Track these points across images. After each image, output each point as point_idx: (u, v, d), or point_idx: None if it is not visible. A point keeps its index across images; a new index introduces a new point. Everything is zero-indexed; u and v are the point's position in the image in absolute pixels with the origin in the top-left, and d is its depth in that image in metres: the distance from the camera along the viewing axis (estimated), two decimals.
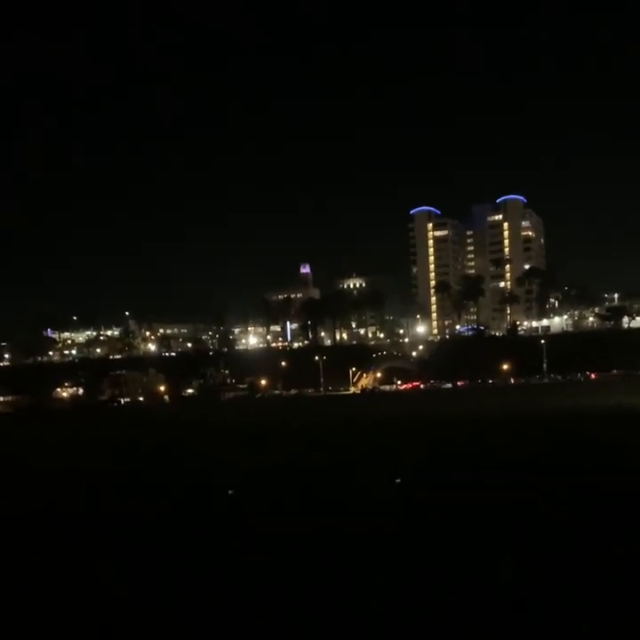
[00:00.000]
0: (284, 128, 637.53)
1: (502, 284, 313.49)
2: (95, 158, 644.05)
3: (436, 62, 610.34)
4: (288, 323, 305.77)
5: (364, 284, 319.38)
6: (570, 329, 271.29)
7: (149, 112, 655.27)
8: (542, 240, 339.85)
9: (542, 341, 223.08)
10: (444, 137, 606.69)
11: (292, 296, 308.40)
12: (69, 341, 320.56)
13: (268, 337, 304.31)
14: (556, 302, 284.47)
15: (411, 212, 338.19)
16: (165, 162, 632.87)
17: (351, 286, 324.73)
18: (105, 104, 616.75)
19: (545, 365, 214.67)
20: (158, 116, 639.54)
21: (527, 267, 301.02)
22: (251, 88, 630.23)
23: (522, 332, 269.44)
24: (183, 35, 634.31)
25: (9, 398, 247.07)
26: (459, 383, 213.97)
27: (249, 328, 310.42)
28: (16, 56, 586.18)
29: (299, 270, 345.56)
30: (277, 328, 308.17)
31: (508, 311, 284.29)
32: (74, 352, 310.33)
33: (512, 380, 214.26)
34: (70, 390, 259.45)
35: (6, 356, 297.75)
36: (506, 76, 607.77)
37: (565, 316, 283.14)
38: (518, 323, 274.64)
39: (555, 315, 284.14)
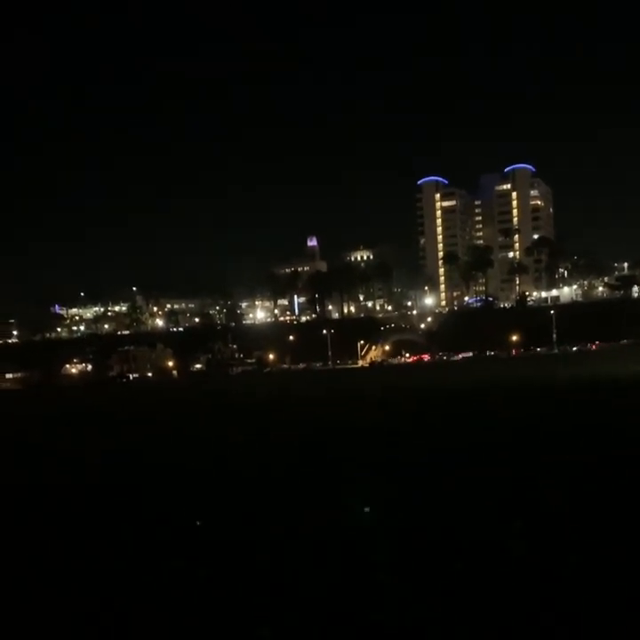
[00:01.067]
0: (288, 99, 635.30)
1: (511, 255, 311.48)
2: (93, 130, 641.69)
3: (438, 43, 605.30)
4: (295, 296, 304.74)
5: (371, 257, 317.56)
6: (579, 299, 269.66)
7: (159, 81, 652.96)
8: (551, 209, 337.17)
9: (551, 312, 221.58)
10: (452, 107, 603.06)
11: (300, 269, 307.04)
12: (77, 317, 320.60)
13: (276, 311, 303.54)
14: (566, 272, 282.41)
15: (418, 183, 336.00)
16: (168, 134, 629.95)
17: (359, 259, 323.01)
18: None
19: (554, 336, 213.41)
20: (166, 86, 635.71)
21: (536, 236, 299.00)
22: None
23: (531, 303, 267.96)
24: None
25: (18, 375, 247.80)
26: (460, 356, 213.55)
27: (256, 302, 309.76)
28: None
29: (305, 243, 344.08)
30: (285, 302, 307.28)
31: (517, 282, 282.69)
32: (82, 328, 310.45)
33: (513, 352, 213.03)
34: (79, 366, 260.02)
35: (14, 332, 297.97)
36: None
37: (575, 286, 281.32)
38: (527, 293, 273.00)
39: (564, 285, 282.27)
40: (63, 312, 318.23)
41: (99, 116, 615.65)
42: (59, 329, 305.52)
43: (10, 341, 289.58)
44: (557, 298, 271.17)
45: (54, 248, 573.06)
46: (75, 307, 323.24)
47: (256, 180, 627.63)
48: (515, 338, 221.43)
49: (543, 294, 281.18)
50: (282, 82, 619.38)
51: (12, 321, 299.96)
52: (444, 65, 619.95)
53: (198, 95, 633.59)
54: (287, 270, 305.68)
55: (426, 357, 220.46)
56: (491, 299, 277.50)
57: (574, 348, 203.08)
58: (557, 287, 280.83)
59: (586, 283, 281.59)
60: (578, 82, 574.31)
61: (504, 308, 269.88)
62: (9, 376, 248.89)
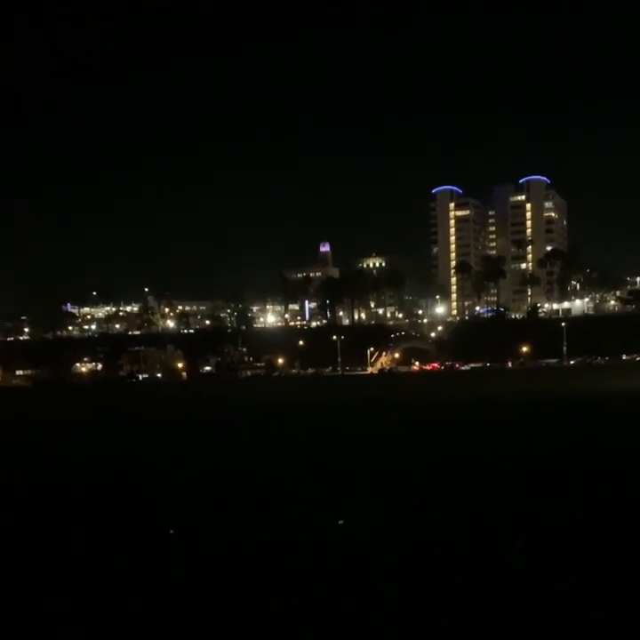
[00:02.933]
0: (300, 109, 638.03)
1: (523, 266, 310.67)
2: (113, 130, 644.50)
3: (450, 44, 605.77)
4: (306, 301, 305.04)
5: (383, 264, 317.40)
6: (591, 312, 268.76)
7: (180, 84, 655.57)
8: (565, 222, 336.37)
9: (563, 324, 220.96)
10: (465, 117, 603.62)
11: (312, 275, 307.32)
12: (89, 316, 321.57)
13: (286, 315, 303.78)
14: (578, 285, 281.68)
15: (432, 191, 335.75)
16: (184, 135, 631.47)
17: (371, 265, 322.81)
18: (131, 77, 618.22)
19: (565, 348, 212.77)
20: (190, 89, 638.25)
21: (549, 248, 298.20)
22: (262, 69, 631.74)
23: (542, 315, 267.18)
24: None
25: (28, 372, 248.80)
26: (470, 365, 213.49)
27: (267, 306, 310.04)
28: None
29: (318, 249, 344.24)
30: (296, 307, 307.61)
31: (529, 293, 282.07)
32: (93, 327, 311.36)
33: (509, 364, 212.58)
34: (89, 365, 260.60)
35: (26, 329, 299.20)
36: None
37: (587, 299, 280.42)
38: (539, 305, 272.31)
39: (576, 297, 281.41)
40: (75, 311, 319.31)
41: (116, 115, 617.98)
42: (70, 328, 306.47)
43: (21, 339, 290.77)
44: (569, 310, 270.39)
45: (67, 247, 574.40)
46: (86, 306, 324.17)
47: (271, 184, 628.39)
48: (525, 349, 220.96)
49: (555, 306, 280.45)
50: (295, 87, 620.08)
51: (24, 318, 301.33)
52: (460, 76, 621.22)
53: (214, 96, 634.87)
54: (299, 275, 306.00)
55: (430, 367, 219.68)
56: (502, 309, 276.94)
57: (586, 360, 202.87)
58: (569, 299, 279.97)
59: (598, 296, 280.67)
60: (594, 94, 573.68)
61: (515, 318, 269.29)
62: (19, 373, 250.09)
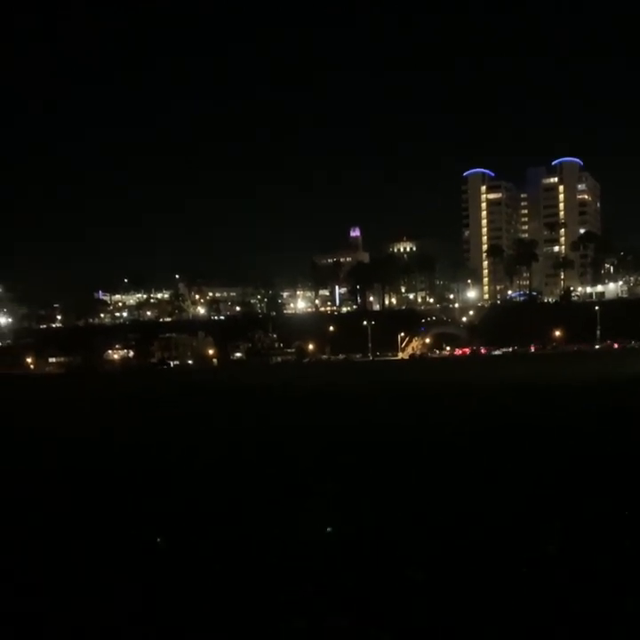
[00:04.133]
0: (330, 93, 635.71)
1: (556, 249, 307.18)
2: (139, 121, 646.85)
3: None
4: (337, 287, 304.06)
5: (414, 248, 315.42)
6: (625, 295, 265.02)
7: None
8: (598, 204, 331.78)
9: (596, 308, 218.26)
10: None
11: (342, 260, 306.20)
12: (120, 304, 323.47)
13: (317, 301, 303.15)
14: (612, 268, 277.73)
15: (464, 174, 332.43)
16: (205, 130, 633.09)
17: (401, 250, 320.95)
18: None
19: (598, 332, 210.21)
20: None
21: (582, 231, 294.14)
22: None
23: (575, 298, 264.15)
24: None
25: (61, 359, 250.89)
26: (482, 350, 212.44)
27: (297, 292, 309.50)
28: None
29: (348, 234, 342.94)
30: (326, 292, 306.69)
31: (562, 276, 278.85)
32: (125, 314, 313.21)
33: (531, 348, 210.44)
34: (121, 352, 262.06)
35: (58, 317, 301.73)
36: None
37: (620, 282, 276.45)
38: (572, 288, 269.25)
39: (610, 281, 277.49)
40: (106, 298, 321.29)
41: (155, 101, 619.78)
42: (102, 315, 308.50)
43: (54, 326, 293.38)
44: (602, 294, 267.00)
45: (100, 234, 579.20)
46: (118, 293, 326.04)
47: (302, 169, 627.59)
48: (558, 333, 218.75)
49: (588, 290, 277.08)
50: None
51: (57, 306, 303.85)
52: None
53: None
54: (329, 260, 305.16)
55: (460, 352, 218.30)
56: (535, 293, 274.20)
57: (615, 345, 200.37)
58: (603, 283, 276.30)
59: (632, 279, 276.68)
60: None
61: (548, 302, 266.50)
62: (52, 360, 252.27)
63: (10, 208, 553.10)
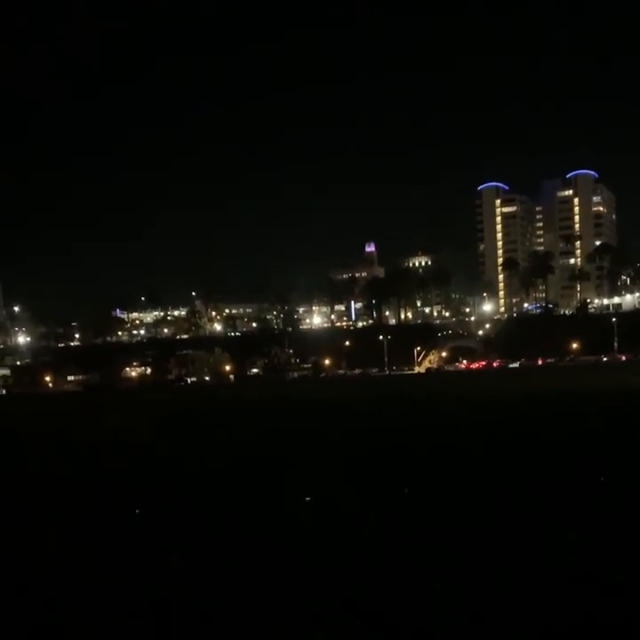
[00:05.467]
0: (344, 101, 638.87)
1: (572, 261, 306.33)
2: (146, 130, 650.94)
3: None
4: (352, 302, 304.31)
5: (429, 262, 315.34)
6: None
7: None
8: (614, 216, 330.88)
9: (613, 319, 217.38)
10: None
11: (357, 275, 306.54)
12: (137, 321, 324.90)
13: (333, 316, 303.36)
14: (628, 279, 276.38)
15: (478, 188, 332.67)
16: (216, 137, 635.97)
17: (417, 264, 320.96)
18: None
19: (616, 344, 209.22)
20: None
21: (598, 243, 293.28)
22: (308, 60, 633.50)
23: (592, 310, 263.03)
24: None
25: (79, 377, 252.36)
26: (495, 363, 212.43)
27: (313, 307, 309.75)
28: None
29: (364, 249, 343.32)
30: (342, 307, 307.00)
31: (578, 289, 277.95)
32: (142, 332, 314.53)
33: (537, 361, 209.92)
34: (138, 369, 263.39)
35: (76, 335, 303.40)
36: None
37: (637, 294, 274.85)
38: (588, 300, 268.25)
39: (626, 292, 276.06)
40: (124, 316, 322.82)
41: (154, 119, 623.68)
42: (119, 333, 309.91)
43: (72, 344, 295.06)
44: (619, 305, 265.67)
45: (115, 249, 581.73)
46: (135, 311, 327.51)
47: (316, 184, 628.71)
48: (575, 346, 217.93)
49: (605, 301, 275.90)
50: (338, 82, 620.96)
51: (75, 324, 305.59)
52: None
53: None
54: (345, 276, 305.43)
55: (476, 365, 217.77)
56: (551, 306, 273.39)
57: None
58: (620, 294, 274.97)
59: None
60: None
61: (564, 314, 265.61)
62: (71, 378, 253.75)
63: (20, 222, 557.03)
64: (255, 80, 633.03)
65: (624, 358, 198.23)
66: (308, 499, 18.24)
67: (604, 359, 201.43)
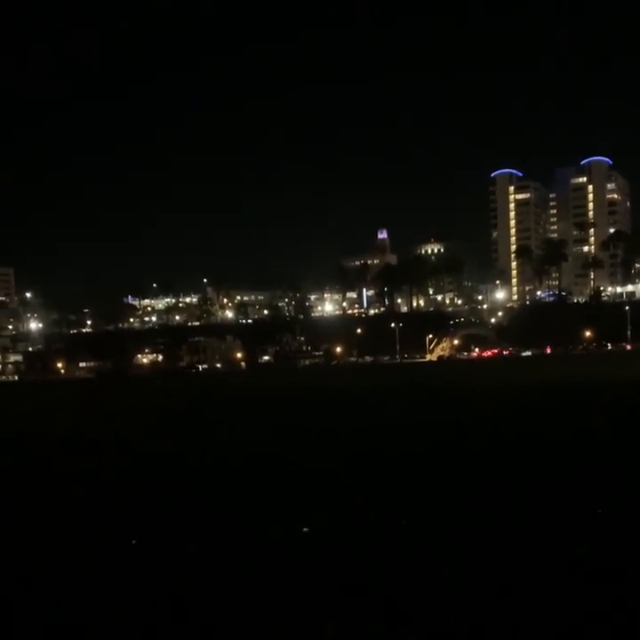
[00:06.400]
0: (359, 97, 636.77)
1: (586, 249, 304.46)
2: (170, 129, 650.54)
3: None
4: (364, 289, 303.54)
5: (442, 250, 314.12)
6: None
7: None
8: (628, 203, 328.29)
9: (626, 308, 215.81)
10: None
11: (369, 262, 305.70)
12: (149, 308, 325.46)
13: (344, 304, 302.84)
14: None
15: (492, 175, 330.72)
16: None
17: (429, 252, 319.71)
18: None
19: (629, 333, 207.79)
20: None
21: (612, 231, 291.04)
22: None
23: (605, 298, 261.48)
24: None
25: (91, 364, 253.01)
26: (505, 352, 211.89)
27: (325, 295, 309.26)
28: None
29: (376, 236, 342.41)
30: (353, 295, 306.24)
31: (592, 276, 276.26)
32: (153, 319, 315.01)
33: (547, 350, 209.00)
34: (150, 356, 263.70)
35: (88, 322, 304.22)
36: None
37: None
38: (602, 288, 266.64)
39: None
40: (136, 303, 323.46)
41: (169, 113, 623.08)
42: (131, 319, 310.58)
43: (84, 331, 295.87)
44: (633, 293, 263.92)
45: (128, 234, 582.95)
46: (147, 298, 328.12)
47: (329, 173, 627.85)
48: (588, 334, 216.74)
49: (619, 289, 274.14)
50: (349, 81, 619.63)
51: (87, 311, 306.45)
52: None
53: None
54: (357, 263, 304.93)
55: (489, 353, 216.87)
56: (564, 293, 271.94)
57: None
58: (633, 282, 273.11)
59: None
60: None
61: (577, 302, 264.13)
62: (83, 365, 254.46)
63: (28, 211, 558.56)
64: (255, 80, 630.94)
65: (629, 347, 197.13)
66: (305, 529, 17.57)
67: (609, 347, 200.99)
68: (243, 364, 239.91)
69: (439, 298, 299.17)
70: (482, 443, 30.97)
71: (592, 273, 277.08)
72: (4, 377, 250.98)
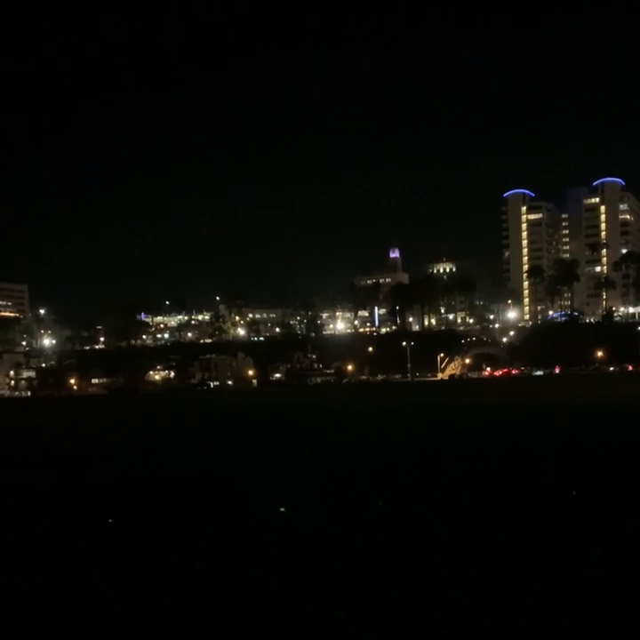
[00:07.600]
0: (369, 112, 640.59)
1: (598, 269, 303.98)
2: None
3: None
4: (376, 308, 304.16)
5: (454, 269, 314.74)
6: None
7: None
8: None
9: (639, 328, 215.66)
10: (541, 118, 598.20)
11: (381, 281, 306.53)
12: (162, 325, 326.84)
13: (356, 322, 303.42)
14: None
15: (504, 195, 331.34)
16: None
17: (441, 271, 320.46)
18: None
19: None
20: (245, 94, 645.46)
21: (624, 251, 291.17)
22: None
23: (617, 319, 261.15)
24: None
25: (104, 380, 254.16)
26: (514, 371, 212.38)
27: (337, 313, 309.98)
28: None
29: (388, 255, 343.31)
30: (365, 313, 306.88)
31: (604, 297, 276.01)
32: (166, 336, 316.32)
33: (556, 369, 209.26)
34: (162, 373, 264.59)
35: (101, 339, 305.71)
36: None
37: None
38: (614, 308, 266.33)
39: None
40: (148, 320, 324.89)
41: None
42: (144, 336, 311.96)
43: (97, 348, 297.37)
44: None
45: (142, 251, 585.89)
46: (160, 315, 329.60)
47: (341, 190, 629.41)
48: (600, 354, 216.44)
49: (631, 310, 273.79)
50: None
51: (100, 328, 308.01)
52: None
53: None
54: (369, 282, 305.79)
55: (500, 372, 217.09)
56: (576, 313, 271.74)
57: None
58: None
59: None
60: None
61: (589, 323, 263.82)
62: (95, 381, 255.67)
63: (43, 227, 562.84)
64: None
65: (631, 368, 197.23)
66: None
67: (611, 369, 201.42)
68: (254, 381, 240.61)
69: (451, 317, 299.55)
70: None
71: (604, 293, 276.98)
72: (17, 393, 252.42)
